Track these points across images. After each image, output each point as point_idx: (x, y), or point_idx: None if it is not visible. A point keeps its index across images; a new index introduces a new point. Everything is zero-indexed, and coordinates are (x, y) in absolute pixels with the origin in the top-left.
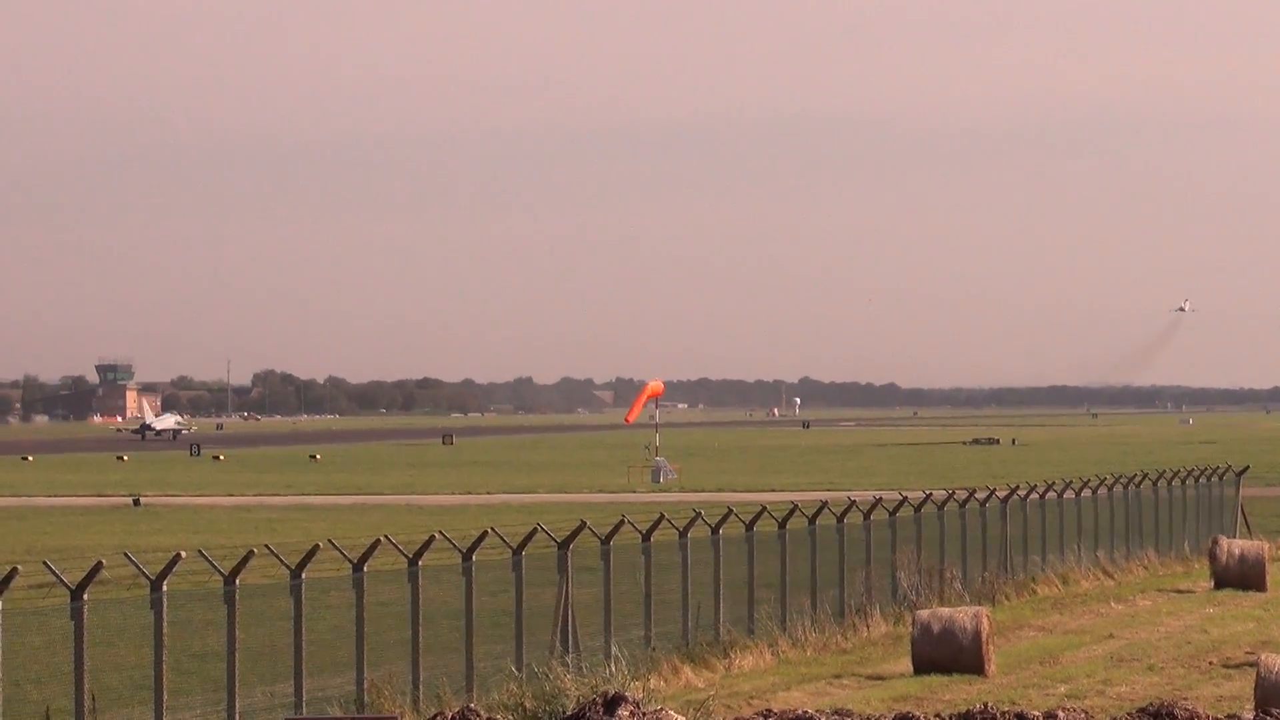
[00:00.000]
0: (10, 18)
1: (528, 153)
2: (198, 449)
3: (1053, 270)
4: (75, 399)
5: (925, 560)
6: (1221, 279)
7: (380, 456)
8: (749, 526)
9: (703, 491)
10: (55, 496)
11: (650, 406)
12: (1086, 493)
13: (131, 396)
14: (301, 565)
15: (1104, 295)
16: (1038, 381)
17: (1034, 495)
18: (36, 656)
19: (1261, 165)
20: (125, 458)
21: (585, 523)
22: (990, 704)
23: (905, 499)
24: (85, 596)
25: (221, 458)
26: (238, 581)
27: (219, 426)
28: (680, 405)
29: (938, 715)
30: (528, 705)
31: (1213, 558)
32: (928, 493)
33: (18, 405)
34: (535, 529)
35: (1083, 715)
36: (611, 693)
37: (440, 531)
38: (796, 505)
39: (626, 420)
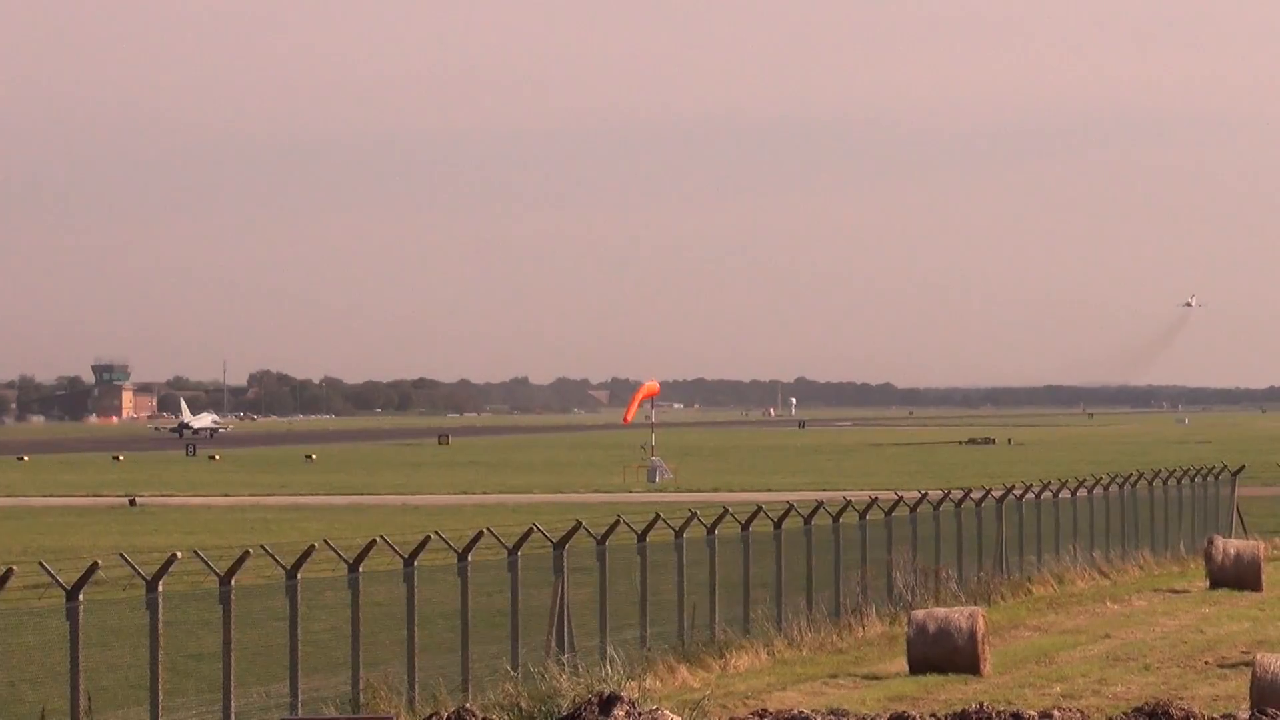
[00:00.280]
0: (7, 18)
1: (523, 153)
2: (193, 449)
3: (1048, 270)
4: (71, 399)
5: (921, 560)
6: (1219, 280)
7: (376, 457)
8: (744, 526)
9: (698, 491)
10: (51, 497)
11: (646, 406)
12: (1082, 492)
13: (127, 397)
14: (297, 566)
15: (1099, 295)
16: (1033, 381)
17: (1030, 495)
18: (32, 657)
19: (1259, 166)
20: (121, 458)
21: (581, 523)
22: (986, 704)
23: (901, 499)
24: (81, 597)
25: (217, 458)
26: (233, 582)
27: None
28: (676, 405)
29: (933, 715)
30: (523, 705)
31: (1208, 557)
32: (923, 492)
33: (13, 405)
34: (531, 529)
35: (1078, 715)
36: (607, 693)
37: (436, 532)
38: (792, 505)
39: (623, 420)
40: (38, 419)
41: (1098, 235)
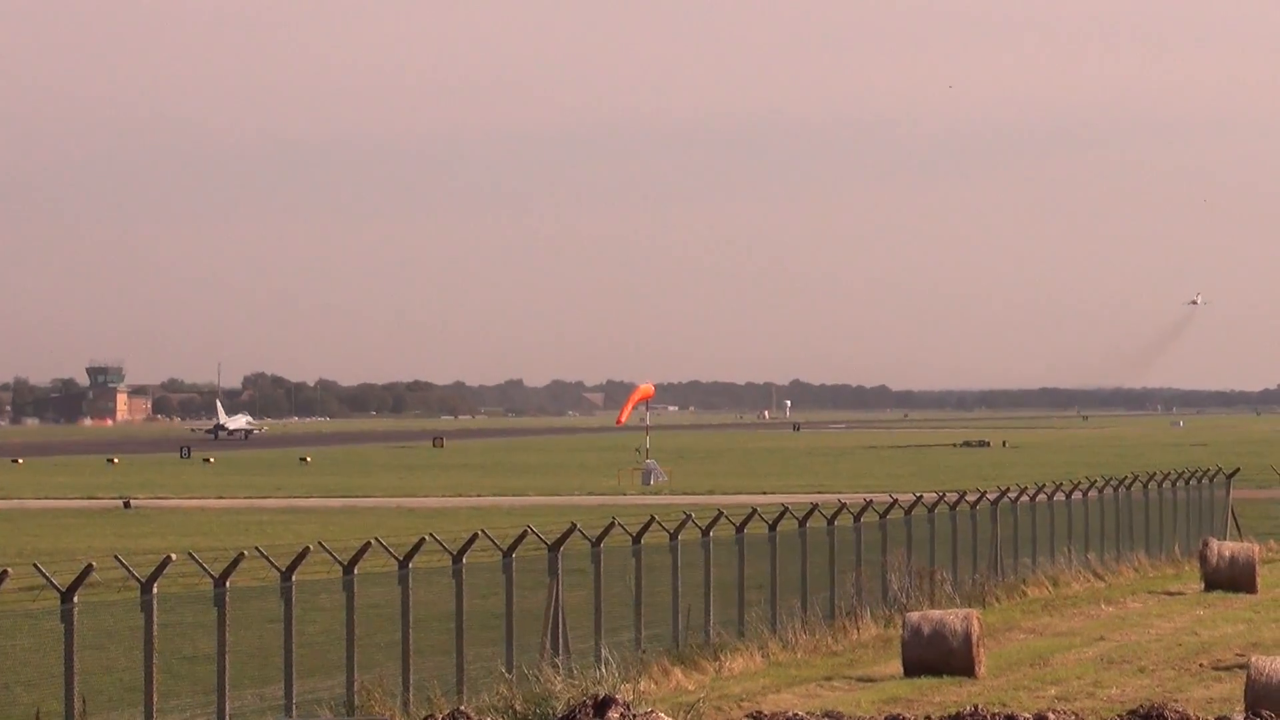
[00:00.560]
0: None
1: (518, 155)
2: (188, 451)
3: (1043, 273)
4: (65, 401)
5: (915, 562)
6: (1215, 282)
7: (370, 459)
8: (739, 529)
9: (693, 494)
10: (45, 499)
11: (641, 409)
12: (1077, 495)
13: (122, 399)
14: (292, 568)
15: (1094, 298)
16: (1028, 384)
17: (1024, 497)
18: (27, 659)
19: (1259, 167)
20: (115, 460)
21: (575, 525)
22: (980, 706)
23: (896, 501)
24: (75, 599)
25: (211, 460)
26: (228, 584)
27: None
28: (671, 408)
29: (928, 717)
30: (518, 707)
31: (1203, 560)
32: (918, 495)
33: (8, 408)
34: (525, 531)
35: (1073, 717)
36: (601, 695)
37: (431, 534)
38: (787, 507)
39: (617, 423)
40: (32, 421)
41: (1092, 237)
